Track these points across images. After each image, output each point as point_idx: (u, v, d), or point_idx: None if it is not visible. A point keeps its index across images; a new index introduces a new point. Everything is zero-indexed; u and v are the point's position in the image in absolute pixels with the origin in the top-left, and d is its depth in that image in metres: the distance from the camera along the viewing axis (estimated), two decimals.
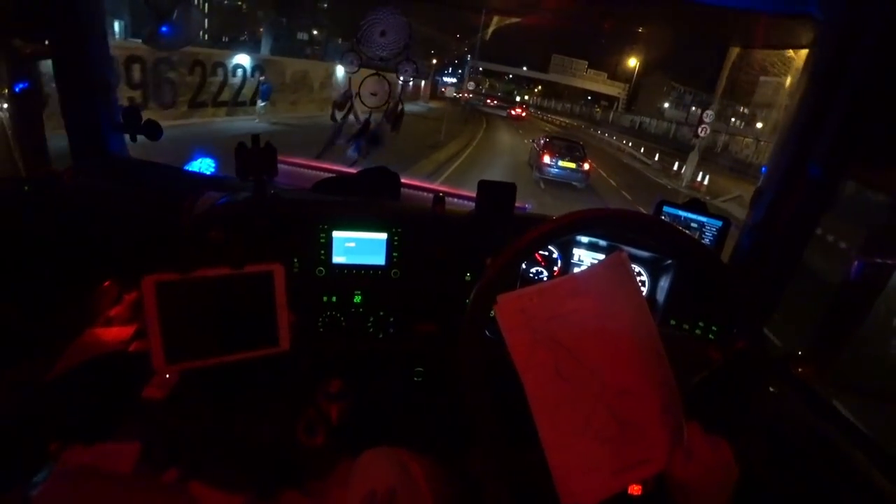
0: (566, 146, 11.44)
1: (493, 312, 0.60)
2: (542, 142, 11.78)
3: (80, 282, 1.26)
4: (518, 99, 65.84)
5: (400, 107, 1.36)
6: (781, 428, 0.97)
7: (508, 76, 74.28)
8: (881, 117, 0.95)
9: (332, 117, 1.40)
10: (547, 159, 10.79)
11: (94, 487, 0.71)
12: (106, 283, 1.29)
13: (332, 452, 1.07)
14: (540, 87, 70.11)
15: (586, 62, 42.76)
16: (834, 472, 0.88)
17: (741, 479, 0.58)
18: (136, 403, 1.00)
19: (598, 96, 51.72)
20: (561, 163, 10.71)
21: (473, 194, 1.19)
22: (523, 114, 34.61)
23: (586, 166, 10.86)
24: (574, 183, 10.84)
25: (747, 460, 0.59)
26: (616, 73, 43.77)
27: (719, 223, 1.19)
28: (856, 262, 1.16)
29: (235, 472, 1.00)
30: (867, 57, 0.93)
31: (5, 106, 1.45)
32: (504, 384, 0.58)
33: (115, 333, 1.22)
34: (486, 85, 72.50)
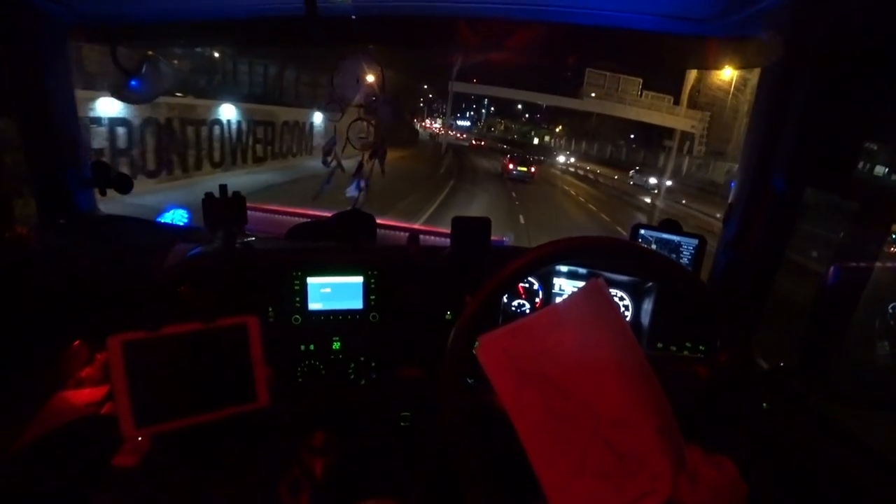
0: (519, 158, 19.92)
1: (475, 351, 0.58)
2: (507, 157, 20.41)
3: (48, 343, 1.21)
4: (536, 141, 55.22)
5: (383, 147, 1.39)
6: (780, 444, 0.96)
7: (525, 116, 63.44)
8: (830, 128, 0.99)
9: (324, 162, 1.43)
10: (510, 167, 18.73)
11: None
12: (76, 344, 1.24)
13: None
14: (561, 128, 51.44)
15: (640, 80, 25.41)
16: (836, 486, 0.87)
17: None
18: (108, 472, 0.94)
19: (648, 133, 30.82)
20: (518, 168, 18.61)
21: (447, 230, 1.19)
22: (482, 142, 45.93)
23: (533, 169, 18.91)
24: (525, 179, 18.21)
25: (750, 479, 0.57)
26: (680, 96, 23.68)
27: (695, 241, 1.20)
28: (832, 269, 1.18)
29: None
30: (811, 72, 0.98)
31: None
32: (493, 426, 0.56)
33: (86, 395, 1.16)
34: (501, 127, 64.03)
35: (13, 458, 0.98)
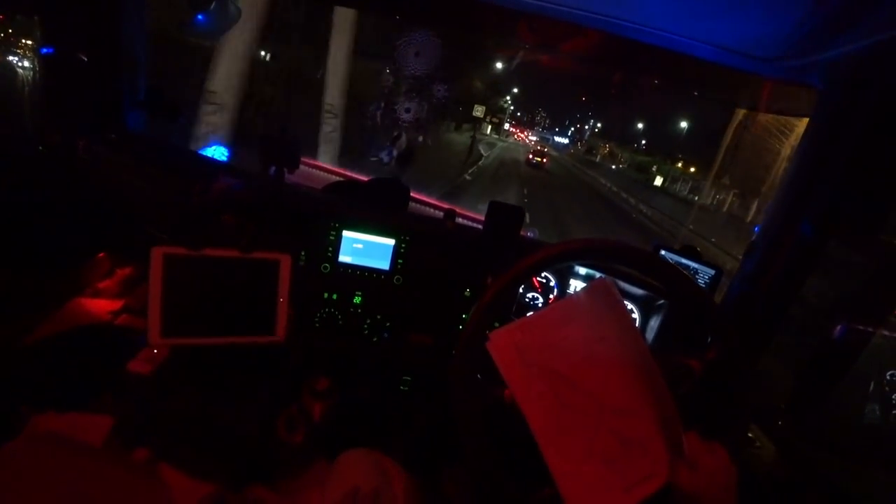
0: (537, 152, 27.68)
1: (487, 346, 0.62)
2: (529, 152, 28.90)
3: (75, 250, 1.25)
4: (659, 182, 27.45)
5: (428, 124, 1.44)
6: (758, 480, 0.99)
7: (642, 141, 41.01)
8: (867, 186, 1.01)
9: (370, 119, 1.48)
10: (530, 157, 26.97)
11: (59, 456, 0.69)
12: (100, 255, 1.28)
13: (308, 451, 1.05)
14: (682, 163, 30.49)
15: None
16: None
17: None
18: (115, 378, 0.98)
19: None
20: (535, 159, 26.37)
21: (480, 216, 1.22)
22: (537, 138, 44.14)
23: (545, 160, 27.22)
24: (539, 167, 25.74)
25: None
26: None
27: (712, 271, 1.23)
28: (839, 327, 1.20)
29: (208, 459, 0.98)
30: (860, 130, 0.99)
31: (26, 64, 1.45)
32: (499, 407, 0.61)
33: (102, 305, 1.20)
34: (605, 151, 47.22)
35: (25, 349, 1.03)
